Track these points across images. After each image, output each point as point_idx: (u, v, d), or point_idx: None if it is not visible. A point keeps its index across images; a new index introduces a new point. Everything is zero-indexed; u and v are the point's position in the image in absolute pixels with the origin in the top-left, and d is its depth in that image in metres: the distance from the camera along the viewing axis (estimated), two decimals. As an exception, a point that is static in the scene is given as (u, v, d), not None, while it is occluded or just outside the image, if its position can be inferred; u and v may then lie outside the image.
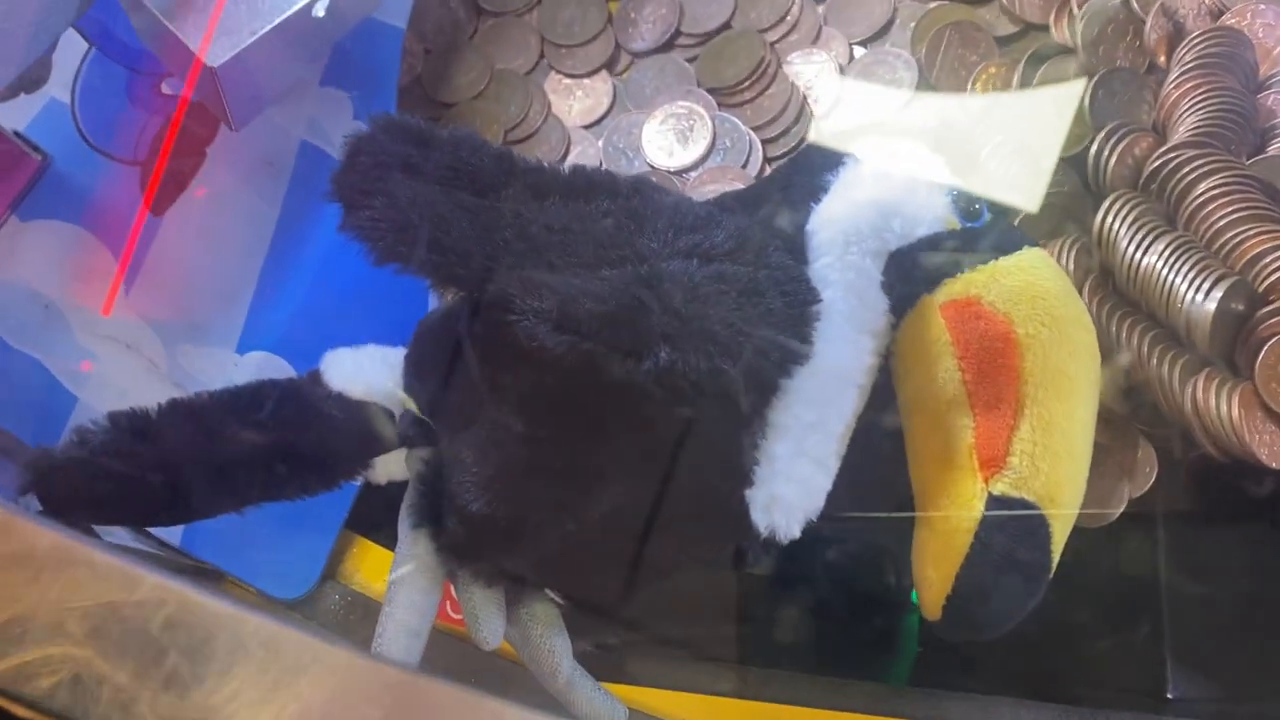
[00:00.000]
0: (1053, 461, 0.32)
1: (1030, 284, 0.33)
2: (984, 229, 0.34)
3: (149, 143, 0.44)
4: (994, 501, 0.31)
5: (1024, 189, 0.43)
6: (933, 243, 0.34)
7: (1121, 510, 0.40)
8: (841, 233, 0.34)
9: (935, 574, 0.32)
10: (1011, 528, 0.31)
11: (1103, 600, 0.42)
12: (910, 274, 0.34)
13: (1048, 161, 0.43)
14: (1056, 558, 0.32)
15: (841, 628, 0.43)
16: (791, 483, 0.32)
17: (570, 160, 0.48)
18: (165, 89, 0.45)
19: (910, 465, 0.35)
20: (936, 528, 0.33)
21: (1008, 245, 0.34)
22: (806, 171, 0.36)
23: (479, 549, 0.33)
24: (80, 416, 0.43)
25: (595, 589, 0.35)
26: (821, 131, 0.46)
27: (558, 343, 0.29)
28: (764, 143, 0.46)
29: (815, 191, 0.35)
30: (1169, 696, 0.41)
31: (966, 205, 0.34)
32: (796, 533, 0.33)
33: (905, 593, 0.40)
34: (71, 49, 0.45)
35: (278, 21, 0.38)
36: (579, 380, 0.31)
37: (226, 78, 0.38)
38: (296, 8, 0.39)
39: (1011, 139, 0.43)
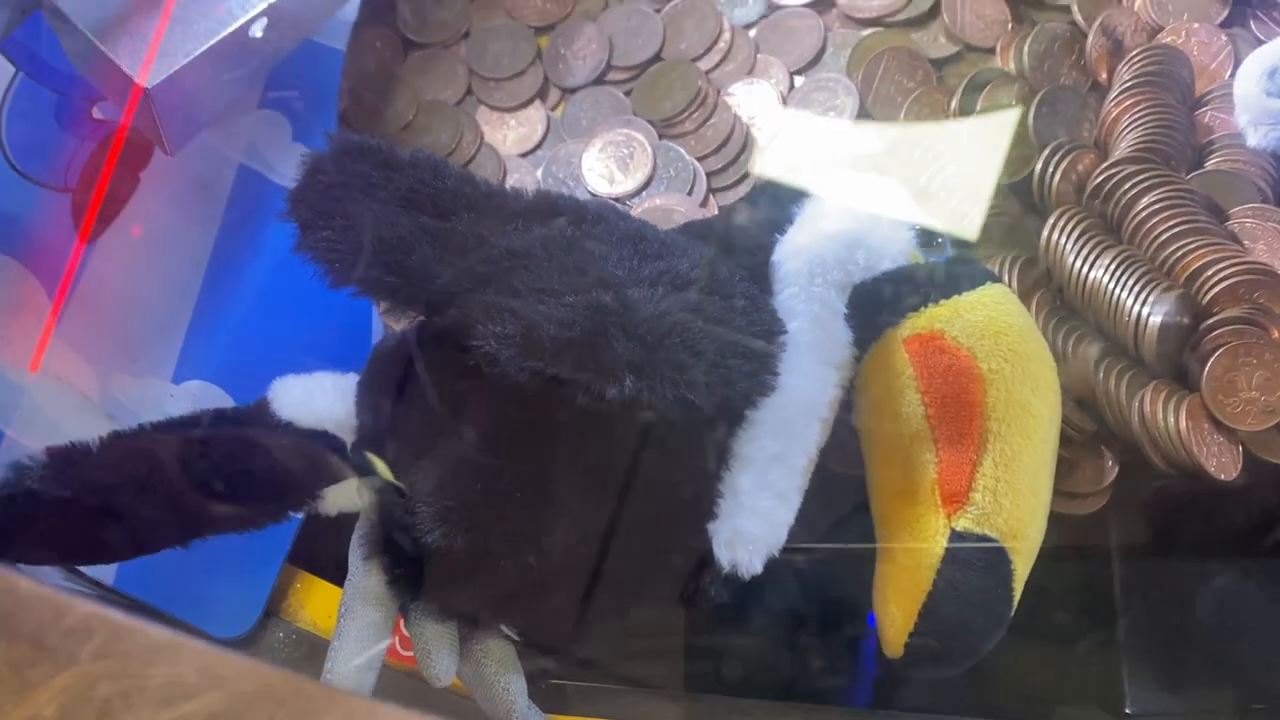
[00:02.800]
0: (1015, 497, 0.32)
1: (993, 319, 0.33)
2: (947, 263, 0.35)
3: (80, 169, 0.43)
4: (956, 537, 0.31)
5: (967, 213, 0.43)
6: (896, 276, 0.34)
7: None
8: (807, 264, 0.34)
9: (897, 610, 0.32)
10: (974, 564, 0.31)
11: (1061, 618, 0.42)
12: (874, 307, 0.34)
13: (990, 184, 0.43)
14: (1018, 594, 0.32)
15: (799, 653, 0.42)
16: (755, 516, 0.32)
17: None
18: (96, 113, 0.43)
19: (871, 499, 0.35)
20: (899, 563, 0.33)
21: (971, 280, 0.34)
22: (771, 203, 0.36)
23: (434, 582, 0.32)
24: (7, 451, 0.41)
25: (553, 624, 0.34)
26: (766, 161, 0.46)
27: (521, 369, 0.28)
28: (709, 174, 0.46)
29: (780, 223, 0.35)
30: (1127, 712, 0.41)
31: (930, 239, 0.35)
32: (759, 568, 0.32)
33: (863, 616, 0.40)
34: (-3, 74, 0.44)
35: (213, 42, 0.37)
36: (542, 408, 0.30)
37: (161, 100, 0.37)
38: (232, 29, 0.38)
39: (953, 164, 0.44)
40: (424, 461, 0.32)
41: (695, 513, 0.32)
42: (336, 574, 0.43)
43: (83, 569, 0.41)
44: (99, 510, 0.33)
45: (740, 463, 0.32)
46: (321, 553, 0.43)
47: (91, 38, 0.36)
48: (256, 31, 0.38)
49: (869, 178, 0.37)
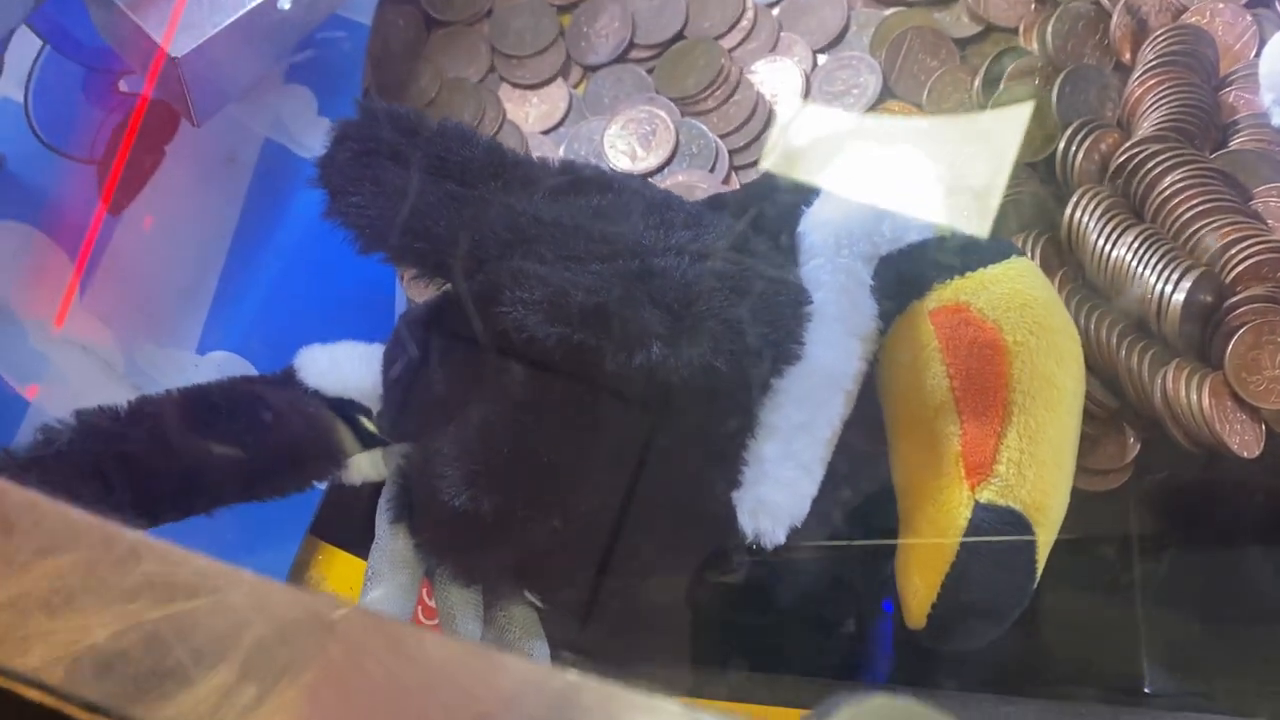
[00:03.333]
0: (1039, 469, 0.32)
1: (1018, 292, 0.33)
2: (973, 236, 0.35)
3: (106, 141, 0.43)
4: (980, 509, 0.31)
5: (991, 192, 0.43)
6: (922, 248, 0.34)
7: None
8: (833, 235, 0.34)
9: (920, 582, 0.32)
10: (998, 535, 0.31)
11: (1080, 596, 0.42)
12: (900, 279, 0.34)
13: (1014, 163, 0.44)
14: (1042, 565, 0.32)
15: (814, 630, 0.42)
16: (778, 487, 0.32)
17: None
18: (123, 86, 0.44)
19: (894, 472, 0.35)
20: (922, 534, 0.33)
21: (997, 253, 0.34)
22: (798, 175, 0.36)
23: (460, 546, 0.32)
24: (33, 420, 0.41)
25: (578, 590, 0.34)
26: (790, 139, 0.46)
27: (548, 335, 0.29)
28: (731, 152, 0.46)
29: (806, 193, 0.35)
30: (1146, 691, 0.41)
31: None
32: (782, 539, 0.32)
33: (882, 590, 0.40)
34: (25, 47, 0.44)
35: (242, 14, 0.38)
36: (568, 374, 0.30)
37: (189, 69, 0.37)
38: (261, 0, 0.38)
39: (979, 143, 0.44)
40: (451, 427, 0.32)
41: (720, 480, 0.32)
42: (359, 546, 0.43)
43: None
44: (124, 475, 0.33)
45: (765, 431, 0.32)
46: (344, 525, 0.43)
47: (121, 6, 0.36)
48: (285, 3, 0.38)
49: (888, 149, 0.37)
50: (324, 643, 0.15)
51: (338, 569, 0.43)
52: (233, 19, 0.38)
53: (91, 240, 0.41)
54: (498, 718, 0.13)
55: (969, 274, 0.34)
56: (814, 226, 0.35)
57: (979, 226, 0.36)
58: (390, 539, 0.33)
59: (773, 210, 0.35)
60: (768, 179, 0.39)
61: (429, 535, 0.32)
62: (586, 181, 0.34)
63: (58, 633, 0.14)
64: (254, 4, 0.38)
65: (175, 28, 0.37)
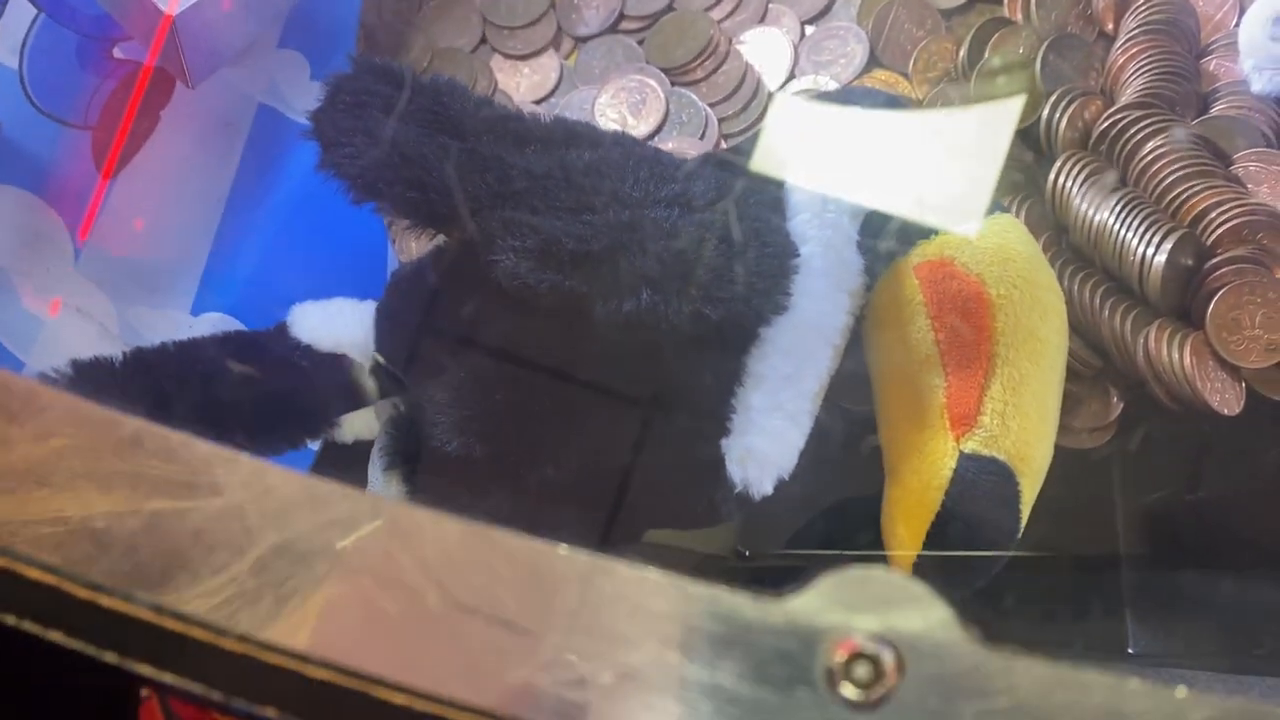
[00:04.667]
0: (1023, 421, 0.32)
1: (1002, 246, 0.34)
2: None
3: (101, 107, 0.43)
4: (965, 459, 0.32)
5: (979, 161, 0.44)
6: None
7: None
8: (820, 190, 0.34)
9: (906, 532, 0.33)
10: (982, 486, 0.32)
11: (1063, 558, 0.42)
12: (885, 234, 0.34)
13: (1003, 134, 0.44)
14: (1026, 515, 0.32)
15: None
16: (766, 436, 0.32)
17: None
18: (117, 53, 0.44)
19: (880, 425, 0.35)
20: (906, 485, 0.33)
21: None
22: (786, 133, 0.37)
23: (454, 493, 0.32)
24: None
25: (571, 539, 0.34)
26: (780, 106, 0.46)
27: (540, 281, 0.29)
28: (720, 120, 0.46)
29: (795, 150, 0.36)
30: (1130, 652, 0.41)
31: None
32: (769, 489, 0.33)
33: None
34: (19, 13, 0.44)
35: (236, -28, 0.38)
36: (560, 320, 0.30)
37: (185, 28, 0.38)
38: (255, -40, 0.38)
39: (963, 113, 0.44)
40: (443, 375, 0.32)
41: (708, 427, 0.33)
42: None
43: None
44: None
45: (753, 380, 0.33)
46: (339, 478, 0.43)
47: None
48: (279, -35, 0.39)
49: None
50: (336, 565, 0.15)
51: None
52: (225, -18, 0.38)
53: (89, 205, 0.42)
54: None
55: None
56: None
57: (973, 192, 0.37)
58: (383, 487, 0.33)
59: (761, 166, 0.36)
60: (755, 138, 0.39)
61: (422, 482, 0.33)
62: (577, 136, 0.35)
63: (60, 510, 0.15)
64: (247, -35, 0.38)
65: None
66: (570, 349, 0.32)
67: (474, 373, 0.32)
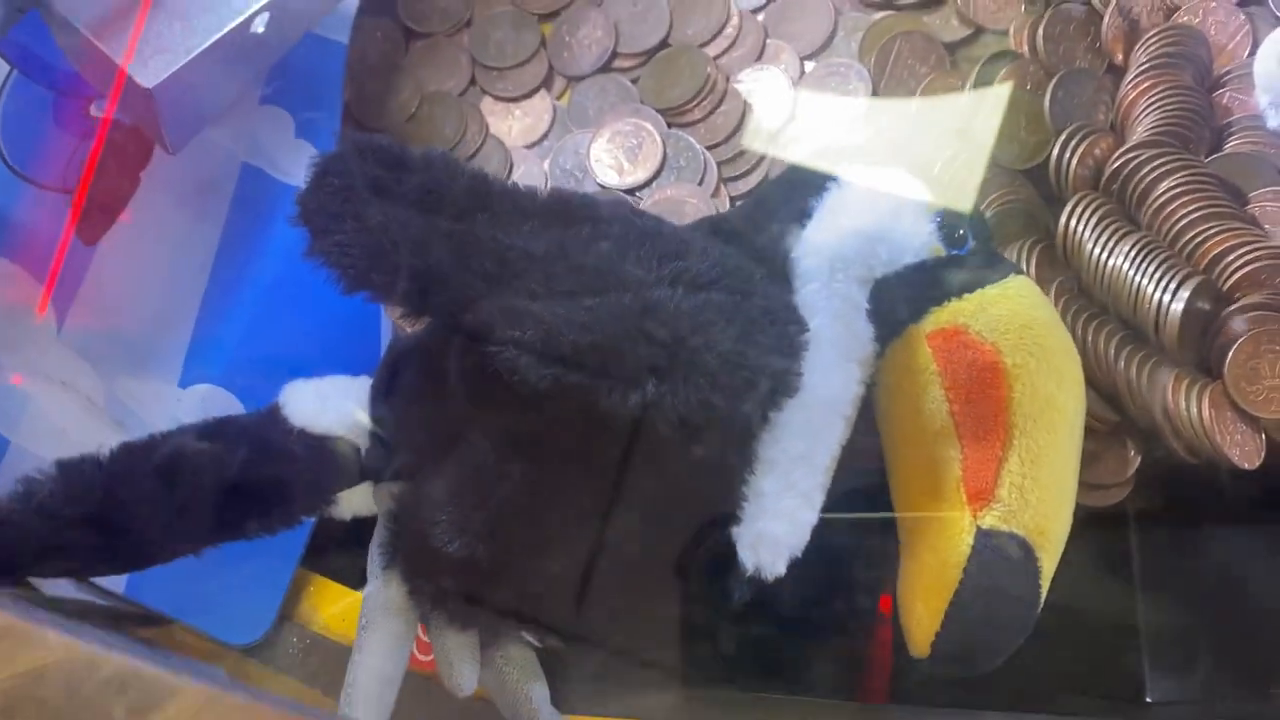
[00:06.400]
0: (1041, 494, 0.31)
1: (1017, 313, 0.33)
2: (970, 256, 0.34)
3: (79, 169, 0.42)
4: (983, 535, 0.31)
5: (979, 198, 0.43)
6: (919, 270, 0.33)
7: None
8: (828, 259, 0.33)
9: (924, 610, 0.32)
10: (1001, 562, 0.31)
11: (1080, 605, 0.41)
12: (896, 302, 0.33)
13: (1005, 169, 0.43)
14: (1045, 590, 0.31)
15: (812, 645, 0.42)
16: (778, 519, 0.31)
17: (514, 181, 0.46)
18: (94, 111, 0.42)
19: (894, 496, 0.34)
20: (924, 561, 0.32)
21: (994, 273, 0.34)
22: (790, 196, 0.35)
23: (455, 593, 0.31)
24: (13, 459, 0.40)
25: (577, 627, 0.33)
26: (778, 149, 0.45)
27: (542, 375, 0.28)
28: (720, 163, 0.45)
29: (800, 216, 0.35)
30: (1148, 700, 0.41)
31: (952, 233, 0.34)
32: (782, 570, 0.32)
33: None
34: (-10, 71, 0.43)
35: (215, 39, 0.36)
36: (563, 413, 0.29)
37: (163, 99, 0.36)
38: (235, 24, 0.37)
39: (967, 150, 0.43)
40: (443, 467, 0.31)
41: (718, 517, 0.32)
42: (351, 578, 0.43)
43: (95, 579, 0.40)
44: (110, 523, 0.33)
45: (764, 465, 0.32)
46: (336, 556, 0.43)
47: (91, 38, 0.35)
48: (259, 27, 0.37)
49: (882, 167, 0.36)
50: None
51: (330, 602, 0.43)
52: (206, 44, 0.36)
53: (72, 273, 0.40)
54: None
55: (966, 295, 0.33)
56: (808, 251, 0.34)
57: (979, 241, 0.35)
58: (383, 586, 0.32)
59: (765, 235, 0.35)
60: (757, 199, 0.38)
61: (422, 582, 0.32)
62: (576, 210, 0.33)
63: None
64: (228, 29, 0.37)
65: (147, 55, 0.35)
66: (574, 441, 0.31)
67: (474, 468, 0.31)
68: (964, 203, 0.43)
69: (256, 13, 0.37)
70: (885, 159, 0.43)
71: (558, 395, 0.28)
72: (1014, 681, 0.41)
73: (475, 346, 0.29)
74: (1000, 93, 0.44)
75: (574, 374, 0.28)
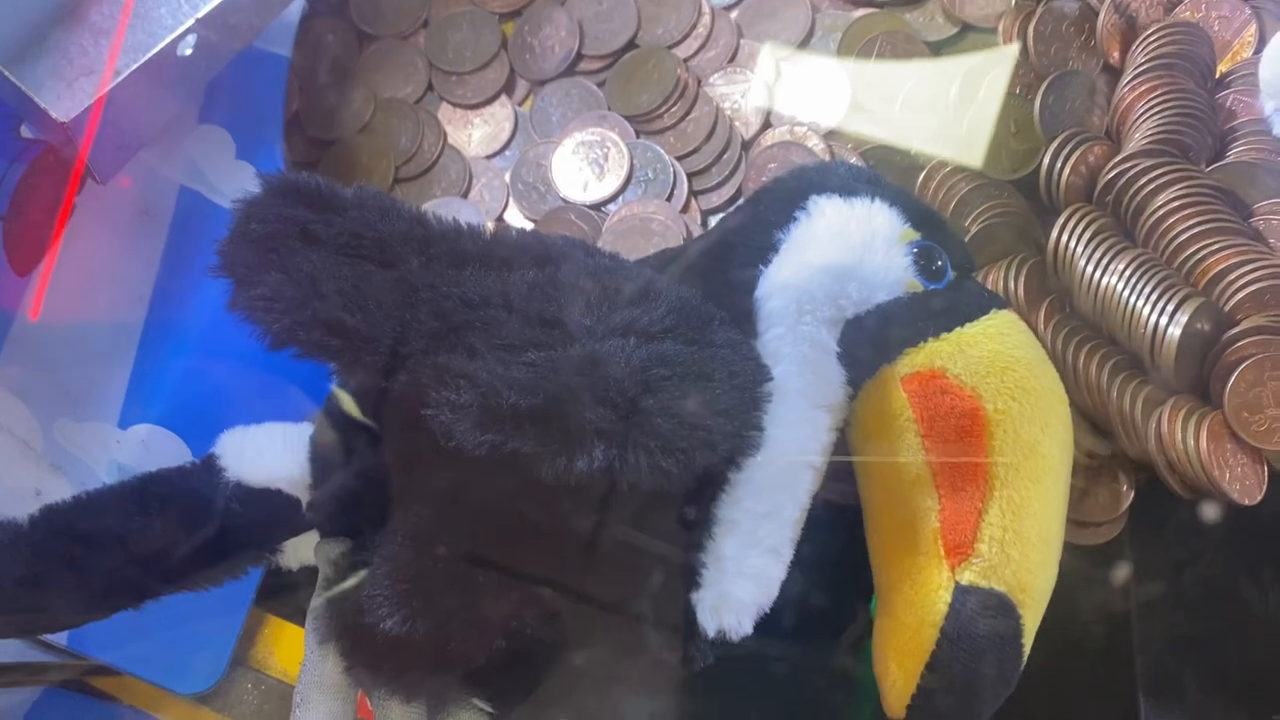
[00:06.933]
0: (1024, 548, 0.29)
1: (999, 353, 0.30)
2: (948, 290, 0.32)
3: (10, 194, 0.39)
4: (961, 592, 0.29)
5: (967, 208, 0.40)
6: (892, 309, 0.31)
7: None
8: (794, 300, 0.31)
9: (899, 670, 0.30)
10: (980, 621, 0.29)
11: (1074, 642, 0.40)
12: (869, 344, 0.31)
13: (992, 180, 0.40)
14: (1028, 649, 0.29)
15: (797, 691, 0.40)
16: (742, 579, 0.29)
17: (474, 195, 0.44)
18: (24, 133, 0.40)
19: (870, 545, 0.32)
20: (899, 619, 0.30)
21: (974, 309, 0.31)
22: (754, 229, 0.33)
23: (395, 669, 0.30)
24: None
25: (527, 700, 0.31)
26: (753, 161, 0.42)
27: (479, 443, 0.26)
28: (690, 175, 0.42)
29: (764, 251, 0.32)
30: (1143, 733, 0.39)
31: (929, 265, 0.31)
32: (749, 629, 0.30)
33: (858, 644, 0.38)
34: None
35: (136, 66, 0.34)
36: (503, 482, 0.27)
37: (80, 130, 0.34)
38: (159, 48, 0.34)
39: (953, 156, 0.40)
40: (379, 537, 0.29)
41: (676, 584, 0.29)
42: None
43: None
44: (36, 592, 0.31)
45: (724, 528, 0.30)
46: (291, 597, 0.41)
47: (3, 70, 0.33)
48: (186, 49, 0.35)
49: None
50: None
51: (285, 643, 0.41)
52: (128, 71, 0.34)
53: (5, 306, 0.38)
54: None
55: (944, 335, 0.31)
56: (773, 291, 0.32)
57: (959, 269, 0.33)
58: (319, 661, 0.30)
59: (726, 273, 0.32)
60: (719, 232, 0.35)
61: (361, 659, 0.30)
62: (521, 252, 0.31)
63: None
64: (152, 53, 0.34)
65: (61, 83, 0.33)
66: (518, 509, 0.28)
67: (411, 538, 0.29)
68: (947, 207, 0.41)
69: (181, 35, 0.34)
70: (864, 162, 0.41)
71: (498, 461, 0.26)
72: (1008, 712, 0.39)
73: (411, 408, 0.27)
74: (987, 97, 0.41)
75: (514, 440, 0.26)
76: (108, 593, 0.33)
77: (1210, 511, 0.37)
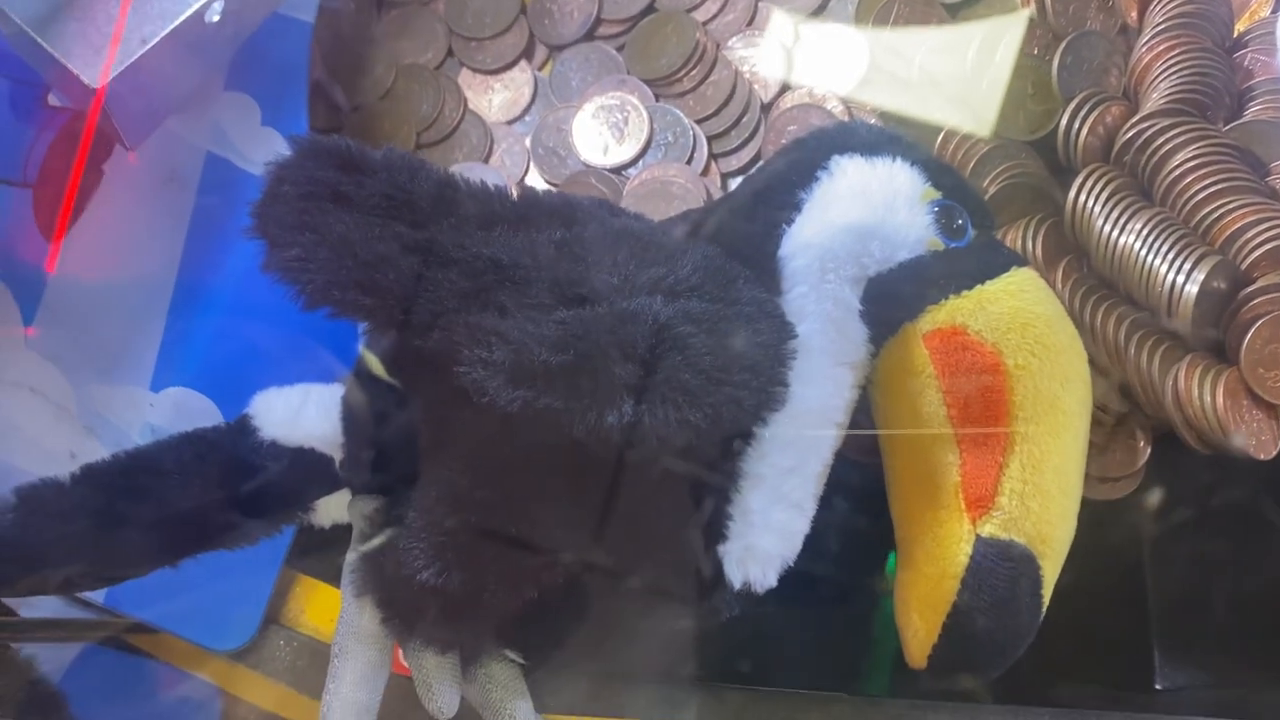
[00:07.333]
0: (1044, 500, 0.30)
1: (1019, 310, 0.31)
2: (969, 249, 0.32)
3: (40, 162, 0.40)
4: (982, 544, 0.29)
5: (985, 169, 0.41)
6: (915, 267, 0.31)
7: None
8: (817, 259, 0.31)
9: (921, 622, 0.30)
10: (1001, 572, 0.29)
11: (1089, 594, 0.40)
12: (891, 301, 0.31)
13: (1010, 141, 0.41)
14: (1047, 599, 0.30)
15: (818, 639, 0.41)
16: (768, 532, 0.30)
17: (495, 160, 0.44)
18: (52, 100, 0.40)
19: (891, 500, 0.33)
20: (921, 571, 0.31)
21: (994, 267, 0.32)
22: (776, 189, 0.33)
23: (430, 620, 0.30)
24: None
25: (558, 650, 0.32)
26: (772, 124, 0.42)
27: (511, 399, 0.26)
28: (710, 138, 0.42)
29: (787, 211, 0.32)
30: (1157, 687, 0.40)
31: (949, 224, 0.32)
32: (773, 581, 0.30)
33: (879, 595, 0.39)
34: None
35: (166, 32, 0.34)
36: (535, 437, 0.28)
37: (114, 97, 0.34)
38: (187, 14, 0.35)
39: (971, 118, 0.41)
40: (414, 492, 0.30)
41: (704, 537, 0.30)
42: (339, 578, 0.42)
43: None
44: (75, 549, 0.32)
45: (750, 481, 0.30)
46: (323, 556, 0.42)
47: (35, 36, 0.33)
48: (214, 15, 0.35)
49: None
50: None
51: (316, 601, 0.42)
52: (157, 38, 0.34)
53: (29, 273, 0.39)
54: None
55: (965, 293, 0.32)
56: (796, 250, 0.32)
57: (979, 228, 0.33)
58: (356, 613, 0.31)
59: (750, 233, 0.33)
60: (743, 192, 0.36)
61: (396, 610, 0.30)
62: (548, 213, 0.31)
63: None
64: (179, 21, 0.35)
65: (90, 50, 0.33)
66: (549, 462, 0.29)
67: (444, 491, 0.29)
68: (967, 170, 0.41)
69: (209, 2, 0.35)
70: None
71: (529, 417, 0.27)
72: (1021, 670, 0.40)
73: (444, 366, 0.28)
74: (1004, 58, 0.41)
75: (546, 396, 0.27)
76: (147, 550, 0.34)
77: (1226, 466, 0.37)
